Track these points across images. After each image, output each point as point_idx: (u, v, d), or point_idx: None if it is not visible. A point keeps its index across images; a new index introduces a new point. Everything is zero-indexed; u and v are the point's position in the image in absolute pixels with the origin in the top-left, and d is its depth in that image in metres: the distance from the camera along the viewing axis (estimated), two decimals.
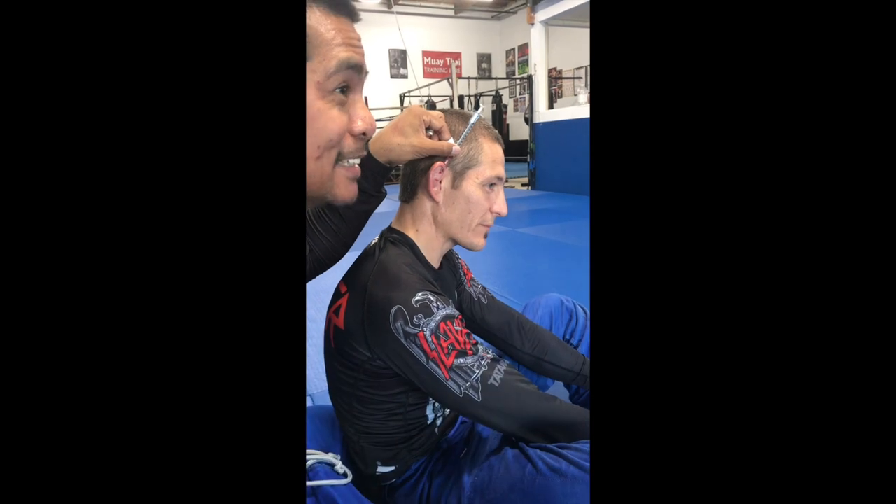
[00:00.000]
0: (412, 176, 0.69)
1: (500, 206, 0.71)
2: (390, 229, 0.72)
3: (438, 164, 0.66)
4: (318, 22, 0.39)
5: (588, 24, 5.86)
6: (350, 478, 0.66)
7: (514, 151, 7.70)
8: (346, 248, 0.72)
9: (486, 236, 0.72)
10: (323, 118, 0.40)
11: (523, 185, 6.39)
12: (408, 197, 0.71)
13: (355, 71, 0.41)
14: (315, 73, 0.39)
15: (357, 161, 0.47)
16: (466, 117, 0.68)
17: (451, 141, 0.66)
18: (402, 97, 8.08)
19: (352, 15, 0.41)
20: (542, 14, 5.61)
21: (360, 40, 0.41)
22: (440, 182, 0.68)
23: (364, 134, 0.44)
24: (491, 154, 0.69)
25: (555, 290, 1.08)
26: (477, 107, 7.84)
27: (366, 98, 8.89)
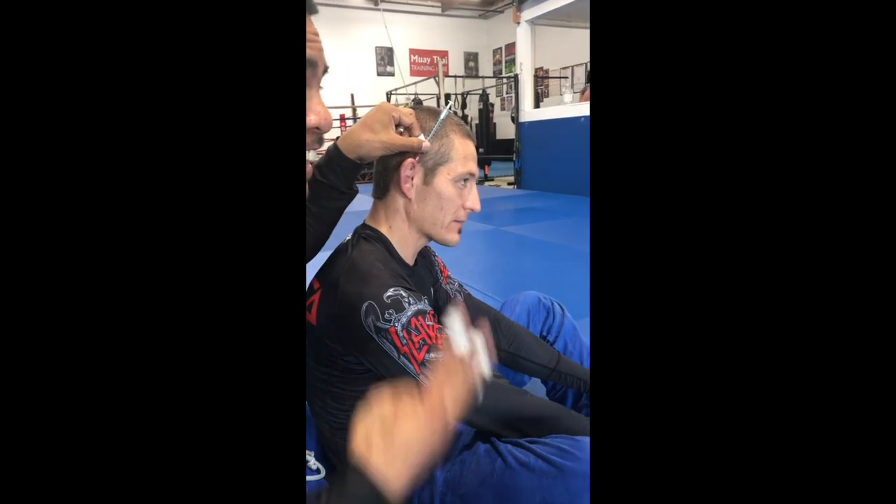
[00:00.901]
0: (384, 173, 0.70)
1: (473, 201, 0.71)
2: (364, 226, 0.72)
3: (409, 160, 0.67)
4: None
5: (573, 24, 5.89)
6: (323, 474, 0.66)
7: (501, 150, 7.72)
8: (319, 245, 0.72)
9: (459, 232, 0.73)
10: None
11: (509, 184, 6.41)
12: (380, 194, 0.71)
13: (307, 66, 0.40)
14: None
15: (309, 157, 0.46)
16: (436, 113, 0.68)
17: (422, 137, 0.66)
18: (388, 95, 8.05)
19: (307, 8, 0.40)
20: (528, 13, 5.62)
21: (315, 34, 0.40)
22: (412, 178, 0.68)
23: (318, 129, 0.43)
24: (462, 150, 0.69)
25: (539, 288, 1.09)
26: (459, 105, 7.84)
27: (352, 95, 8.84)
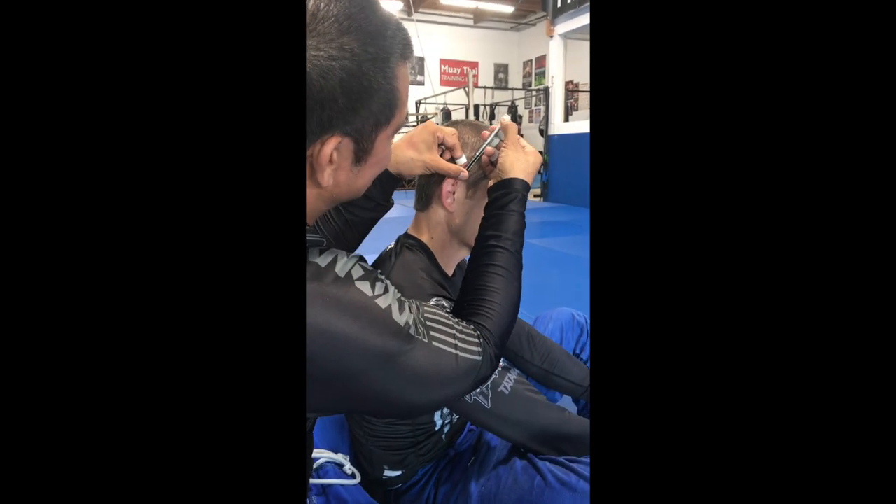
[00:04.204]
0: (427, 186, 0.70)
1: None
2: (406, 235, 0.73)
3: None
4: (405, 82, 0.44)
5: None
6: (359, 478, 0.67)
7: None
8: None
9: None
10: (387, 155, 0.47)
11: (535, 196, 6.39)
12: (422, 206, 0.72)
13: (401, 106, 0.46)
14: (391, 127, 0.45)
15: None
16: (479, 129, 0.69)
17: (464, 158, 0.66)
18: (417, 104, 8.13)
19: (402, 54, 0.44)
20: (562, 27, 5.63)
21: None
22: (453, 194, 0.68)
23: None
24: None
25: (564, 303, 1.08)
26: (488, 117, 7.84)
27: None
